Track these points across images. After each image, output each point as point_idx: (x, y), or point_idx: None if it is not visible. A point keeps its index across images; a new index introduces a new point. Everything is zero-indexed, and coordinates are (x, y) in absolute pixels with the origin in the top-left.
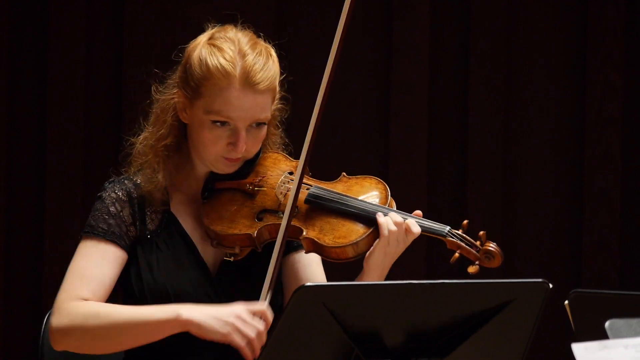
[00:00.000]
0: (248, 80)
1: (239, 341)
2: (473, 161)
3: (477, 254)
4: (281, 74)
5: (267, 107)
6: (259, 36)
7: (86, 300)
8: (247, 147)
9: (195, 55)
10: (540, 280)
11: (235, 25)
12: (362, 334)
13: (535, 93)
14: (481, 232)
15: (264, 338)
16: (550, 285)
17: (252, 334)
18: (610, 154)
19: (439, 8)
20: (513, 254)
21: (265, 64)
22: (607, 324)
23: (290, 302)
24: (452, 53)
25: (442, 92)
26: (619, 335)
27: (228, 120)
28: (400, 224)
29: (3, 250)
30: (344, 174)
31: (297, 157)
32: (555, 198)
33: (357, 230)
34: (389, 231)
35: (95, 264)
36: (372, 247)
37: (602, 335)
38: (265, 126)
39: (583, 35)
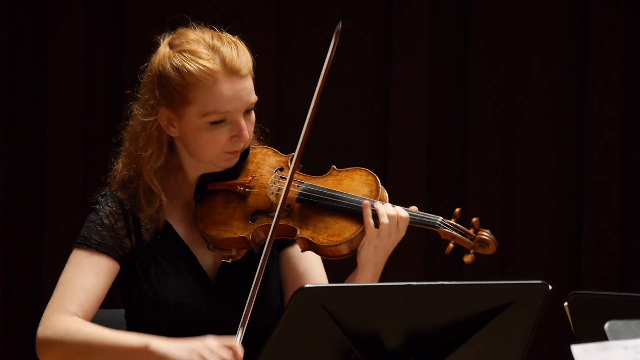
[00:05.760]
0: (231, 70)
1: None
2: (473, 161)
3: (471, 242)
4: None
5: (253, 89)
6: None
7: (74, 313)
8: None
9: (168, 68)
10: (539, 282)
11: (187, 26)
12: (361, 335)
13: (535, 93)
14: (474, 219)
15: None
16: (550, 287)
17: None
18: (610, 154)
19: (439, 8)
20: (512, 255)
21: (238, 49)
22: (606, 325)
23: (289, 303)
24: (452, 53)
25: (442, 92)
26: (619, 336)
27: (226, 117)
28: (391, 216)
29: (3, 250)
30: (334, 167)
31: (288, 152)
32: (555, 199)
33: (351, 227)
34: (380, 223)
35: (86, 276)
36: (361, 242)
37: (601, 336)
38: (252, 112)
39: (583, 35)
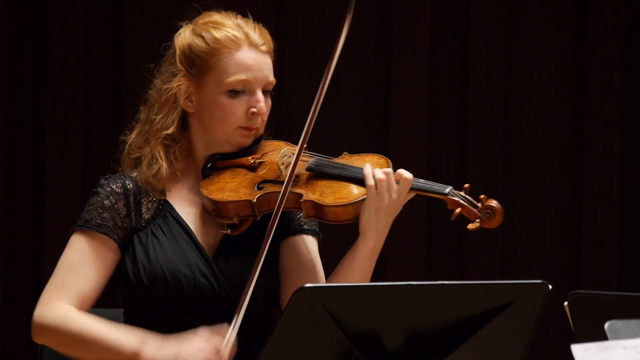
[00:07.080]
0: (253, 42)
1: None
2: (473, 161)
3: (477, 213)
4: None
5: (272, 69)
6: None
7: (73, 300)
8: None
9: (192, 38)
10: (539, 281)
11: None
12: (361, 335)
13: (535, 93)
14: (482, 196)
15: None
16: (550, 287)
17: None
18: (610, 154)
19: (439, 8)
20: (513, 255)
21: (262, 30)
22: (606, 325)
23: (289, 303)
24: (452, 53)
25: (442, 92)
26: (618, 336)
27: (244, 86)
28: (388, 173)
29: (3, 250)
30: (346, 152)
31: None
32: (555, 198)
33: (358, 192)
34: (376, 180)
35: (85, 260)
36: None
37: (601, 336)
38: (269, 96)
39: (583, 35)
